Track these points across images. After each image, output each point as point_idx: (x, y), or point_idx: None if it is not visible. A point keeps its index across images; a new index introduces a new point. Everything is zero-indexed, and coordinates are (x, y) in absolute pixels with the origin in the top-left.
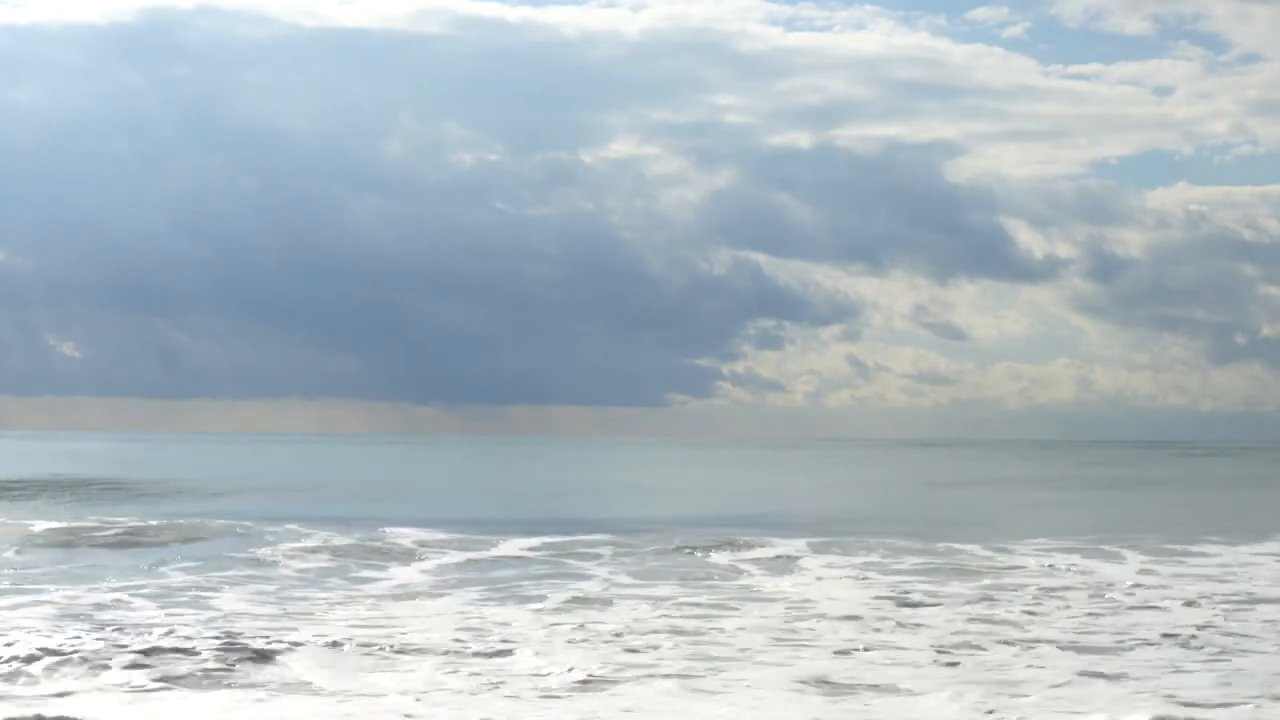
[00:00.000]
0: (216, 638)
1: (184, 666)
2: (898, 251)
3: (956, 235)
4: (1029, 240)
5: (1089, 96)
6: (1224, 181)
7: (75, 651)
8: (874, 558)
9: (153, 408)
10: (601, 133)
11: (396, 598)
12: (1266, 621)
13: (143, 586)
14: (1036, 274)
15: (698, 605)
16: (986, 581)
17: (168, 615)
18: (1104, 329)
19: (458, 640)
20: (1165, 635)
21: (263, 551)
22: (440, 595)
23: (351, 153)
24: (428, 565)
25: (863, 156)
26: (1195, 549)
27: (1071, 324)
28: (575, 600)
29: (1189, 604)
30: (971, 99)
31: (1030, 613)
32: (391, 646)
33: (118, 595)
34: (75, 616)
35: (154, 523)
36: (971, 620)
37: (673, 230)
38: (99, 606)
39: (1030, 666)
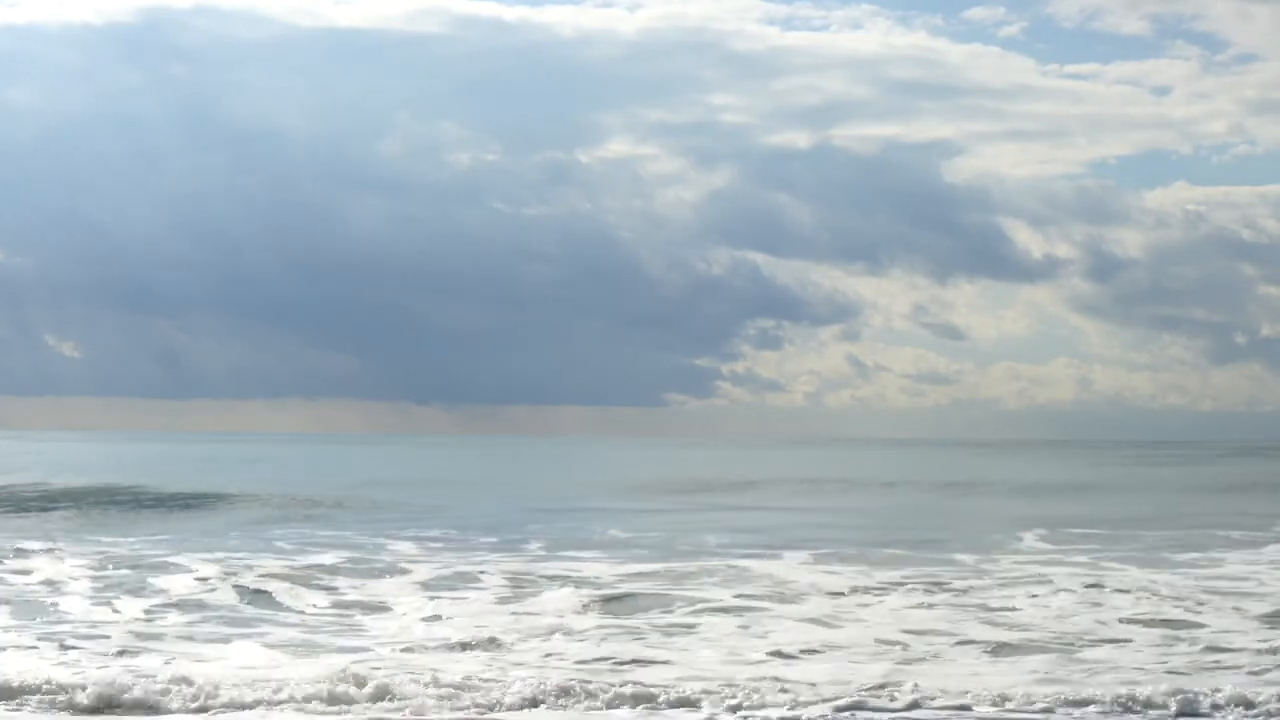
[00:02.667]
0: None
1: None
2: (896, 251)
3: (955, 235)
4: (1028, 240)
5: (1087, 96)
6: (1222, 181)
7: None
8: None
9: (153, 408)
10: (598, 132)
11: None
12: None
13: None
14: (1035, 274)
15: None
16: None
17: None
18: (1103, 329)
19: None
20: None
21: None
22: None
23: (349, 152)
24: None
25: (861, 156)
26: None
27: (1071, 324)
28: None
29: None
30: (969, 98)
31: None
32: None
33: None
34: None
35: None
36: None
37: (671, 230)
38: None
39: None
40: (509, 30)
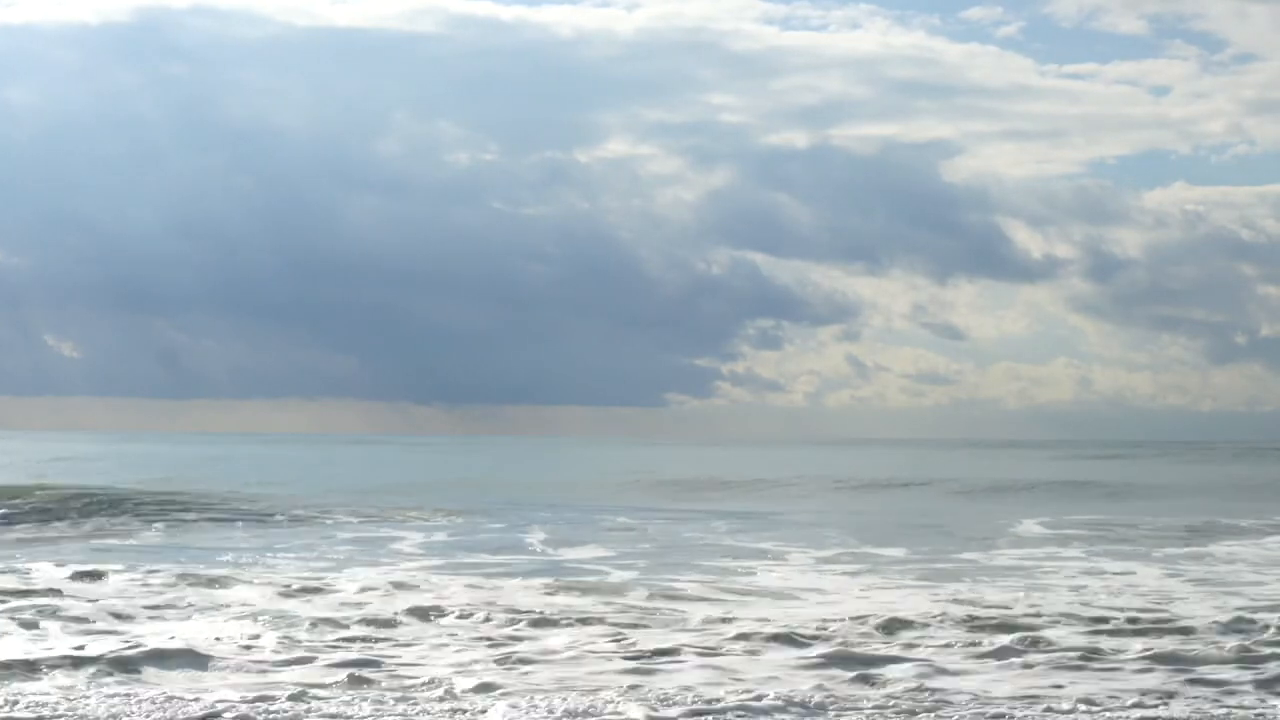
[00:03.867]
0: None
1: None
2: (896, 251)
3: (954, 235)
4: (1027, 240)
5: (1085, 96)
6: (1221, 181)
7: None
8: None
9: (152, 408)
10: (597, 132)
11: None
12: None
13: None
14: (1035, 274)
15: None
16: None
17: None
18: (1103, 329)
19: None
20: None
21: None
22: None
23: (347, 152)
24: None
25: (860, 156)
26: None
27: (1070, 324)
28: None
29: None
30: (967, 98)
31: None
32: None
33: None
34: None
35: None
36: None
37: (670, 230)
38: None
39: None
40: (506, 30)
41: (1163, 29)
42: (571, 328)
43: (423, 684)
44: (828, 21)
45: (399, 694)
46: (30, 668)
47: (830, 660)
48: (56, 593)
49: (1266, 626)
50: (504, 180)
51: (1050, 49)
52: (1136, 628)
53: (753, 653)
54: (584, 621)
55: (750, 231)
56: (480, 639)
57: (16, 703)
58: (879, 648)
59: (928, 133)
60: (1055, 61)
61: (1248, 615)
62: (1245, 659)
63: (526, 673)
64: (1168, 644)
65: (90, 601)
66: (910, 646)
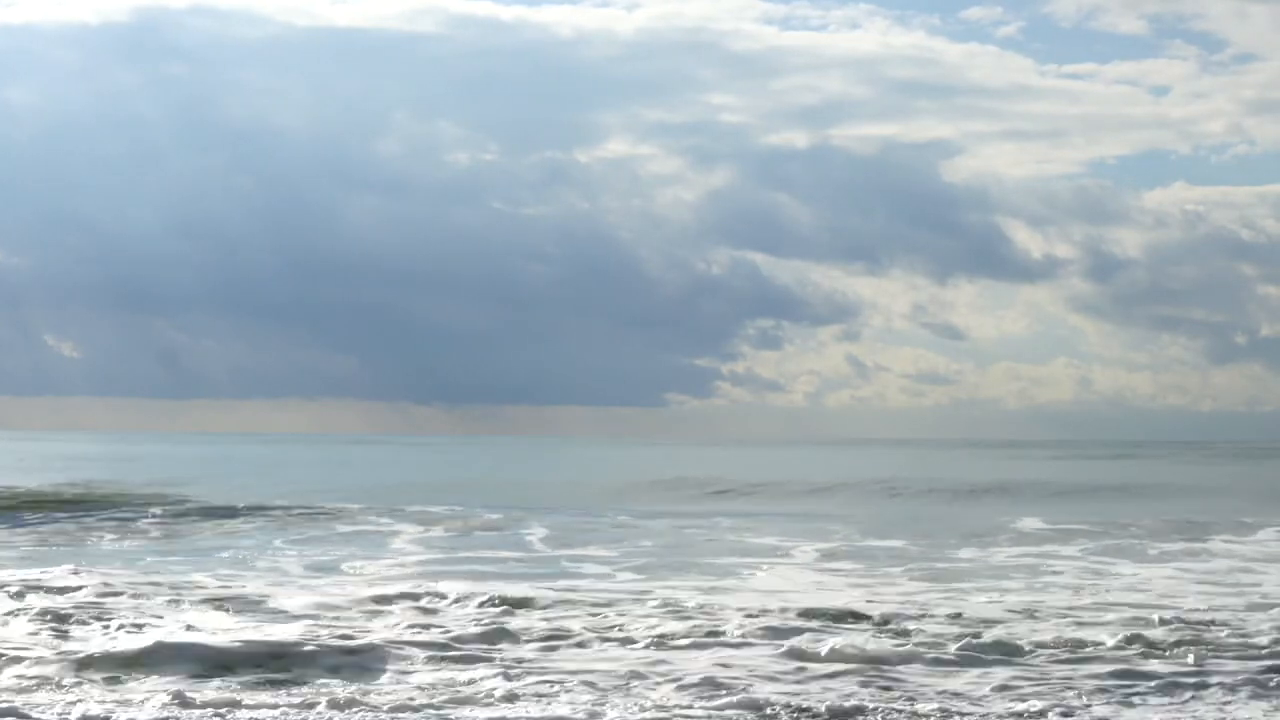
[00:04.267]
0: None
1: None
2: (896, 251)
3: (954, 235)
4: (1027, 240)
5: (1085, 96)
6: (1221, 181)
7: None
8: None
9: (152, 407)
10: (597, 132)
11: None
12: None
13: None
14: (1035, 274)
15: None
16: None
17: None
18: (1103, 329)
19: None
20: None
21: None
22: None
23: (347, 152)
24: None
25: (860, 156)
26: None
27: (1070, 324)
28: None
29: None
30: (967, 98)
31: None
32: None
33: None
34: None
35: None
36: None
37: (670, 230)
38: None
39: None
40: (506, 30)
41: (1163, 29)
42: (571, 328)
43: (419, 680)
44: (828, 21)
45: (397, 689)
46: (24, 662)
47: (827, 659)
48: (57, 590)
49: (1262, 624)
50: (504, 180)
51: (1050, 49)
52: (1133, 626)
53: (749, 647)
54: (582, 619)
55: (750, 231)
56: (477, 636)
57: (19, 708)
58: (874, 645)
59: (928, 133)
60: (1055, 61)
61: (1244, 613)
62: (1242, 657)
63: (523, 670)
64: (1161, 639)
65: (88, 598)
66: (907, 644)
